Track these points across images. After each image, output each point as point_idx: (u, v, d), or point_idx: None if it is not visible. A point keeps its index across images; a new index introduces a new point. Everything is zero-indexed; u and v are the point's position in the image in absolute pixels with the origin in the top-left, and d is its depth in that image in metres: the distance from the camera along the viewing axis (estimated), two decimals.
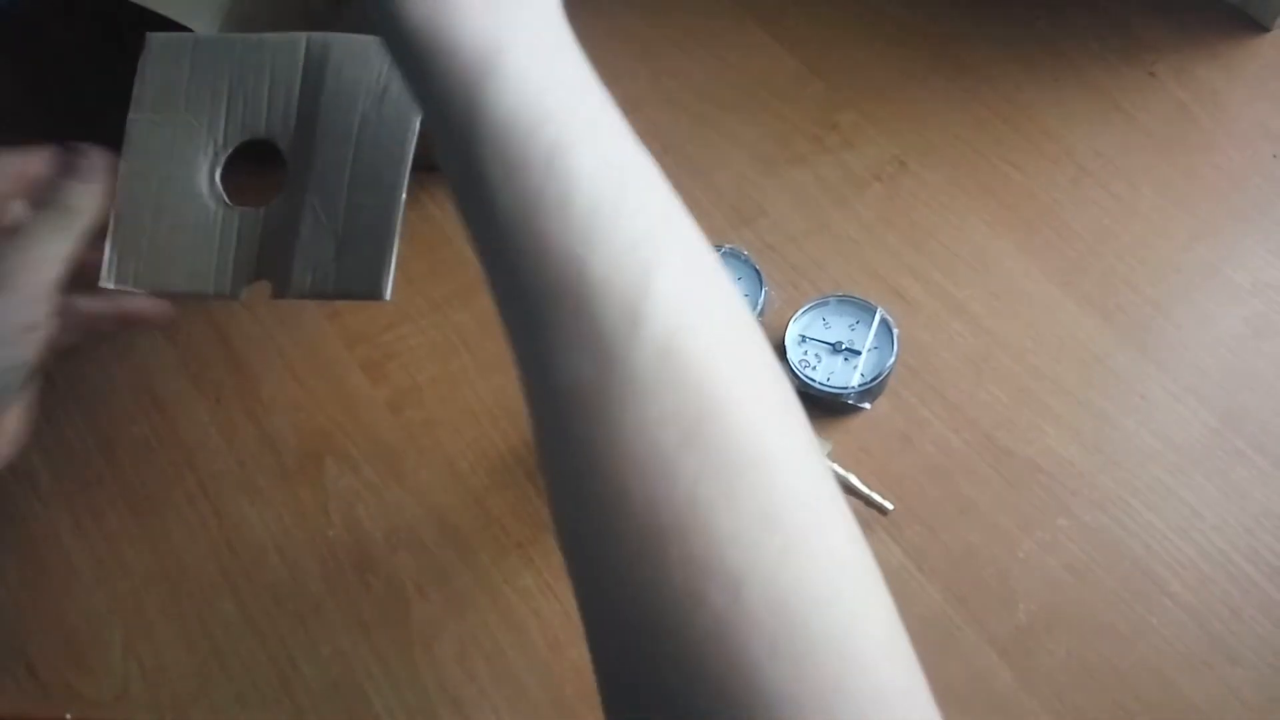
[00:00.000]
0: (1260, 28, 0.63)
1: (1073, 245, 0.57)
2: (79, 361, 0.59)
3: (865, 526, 0.50)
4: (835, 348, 0.53)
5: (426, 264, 0.60)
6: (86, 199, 0.44)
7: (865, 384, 0.51)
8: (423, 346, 0.58)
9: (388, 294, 0.42)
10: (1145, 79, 0.62)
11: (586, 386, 0.27)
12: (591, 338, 0.28)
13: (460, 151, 0.30)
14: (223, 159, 0.45)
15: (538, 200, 0.29)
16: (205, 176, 0.45)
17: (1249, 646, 0.46)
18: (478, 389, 0.56)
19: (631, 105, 0.67)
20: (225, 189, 0.45)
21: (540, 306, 0.29)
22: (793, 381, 0.51)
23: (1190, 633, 0.46)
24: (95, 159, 0.45)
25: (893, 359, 0.52)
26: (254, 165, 0.45)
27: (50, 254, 0.43)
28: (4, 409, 0.42)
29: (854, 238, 0.58)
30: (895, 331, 0.52)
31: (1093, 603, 0.47)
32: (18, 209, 0.44)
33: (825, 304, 0.54)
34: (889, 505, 0.48)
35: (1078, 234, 0.57)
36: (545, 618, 0.49)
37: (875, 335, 0.52)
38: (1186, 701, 0.45)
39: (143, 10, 0.49)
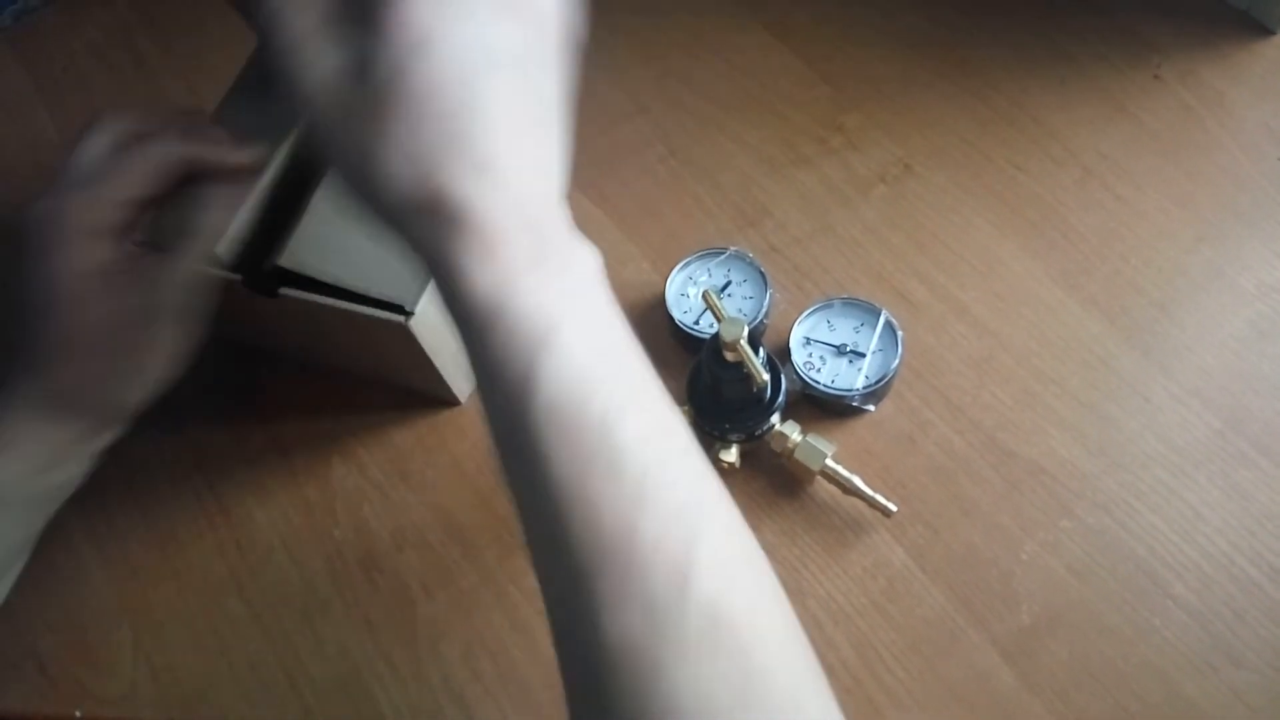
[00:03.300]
0: (1265, 31, 0.63)
1: (1077, 247, 0.57)
2: None
3: (869, 527, 0.50)
4: (840, 350, 0.53)
5: None
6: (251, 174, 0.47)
7: (870, 386, 0.51)
8: None
9: None
10: (1150, 82, 0.62)
11: (638, 643, 0.29)
12: (642, 597, 0.29)
13: (512, 414, 0.32)
14: None
15: (589, 464, 0.31)
16: None
17: (1252, 649, 0.46)
18: None
19: (638, 107, 0.68)
20: None
21: (590, 565, 0.30)
22: (797, 384, 0.52)
23: (1193, 634, 0.46)
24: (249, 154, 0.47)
25: (897, 361, 0.52)
26: None
27: (223, 221, 0.46)
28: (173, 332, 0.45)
29: (859, 240, 0.58)
30: (900, 334, 0.52)
31: (1096, 604, 0.47)
32: None
33: (830, 306, 0.54)
34: (893, 506, 0.49)
35: (1082, 236, 0.57)
36: None
37: (880, 337, 0.53)
38: (1189, 703, 0.45)
39: None
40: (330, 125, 0.34)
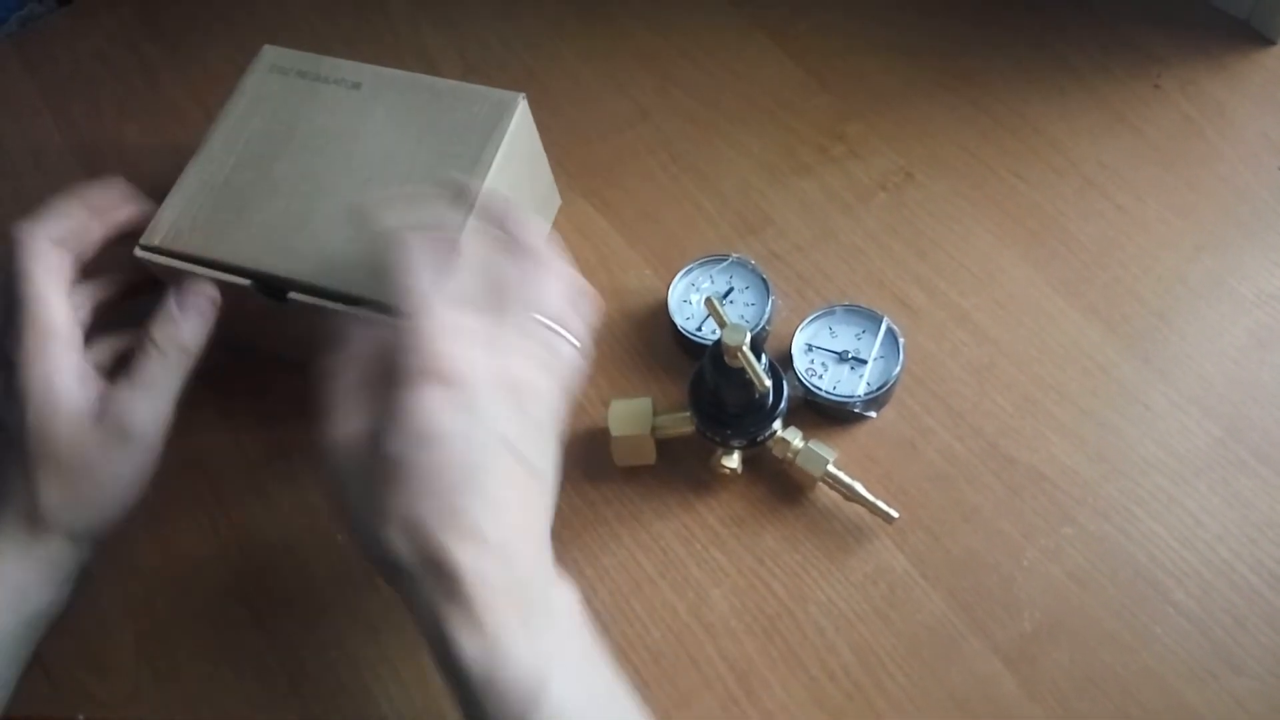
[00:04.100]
0: (1265, 41, 0.63)
1: (1078, 256, 0.57)
2: None
3: (871, 534, 0.50)
4: (841, 357, 0.53)
5: None
6: (201, 337, 0.48)
7: (871, 393, 0.51)
8: None
9: None
10: (1150, 91, 0.63)
11: None
12: None
13: None
14: None
15: None
16: None
17: (1253, 656, 0.46)
18: None
19: (640, 115, 0.68)
20: None
21: None
22: (799, 390, 0.52)
23: (1194, 642, 0.46)
24: (207, 293, 0.49)
25: (898, 368, 0.52)
26: None
27: (168, 403, 0.47)
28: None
29: (860, 247, 0.59)
30: (901, 341, 0.53)
31: (1096, 611, 0.47)
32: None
33: (831, 313, 0.54)
34: (894, 513, 0.49)
35: (1083, 245, 0.58)
36: None
37: (881, 344, 0.53)
38: (1190, 711, 0.45)
39: None
40: (345, 478, 0.37)
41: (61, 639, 0.51)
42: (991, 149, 0.61)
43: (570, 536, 0.51)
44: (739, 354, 0.45)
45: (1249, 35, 0.64)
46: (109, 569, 0.53)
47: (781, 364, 0.52)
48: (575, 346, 0.42)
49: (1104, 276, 0.56)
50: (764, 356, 0.49)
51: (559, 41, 0.69)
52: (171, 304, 0.48)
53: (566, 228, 0.61)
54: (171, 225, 0.51)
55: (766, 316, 0.54)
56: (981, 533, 0.50)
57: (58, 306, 0.45)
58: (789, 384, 0.50)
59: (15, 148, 0.69)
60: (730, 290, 0.56)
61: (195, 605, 0.52)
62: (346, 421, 0.38)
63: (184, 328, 0.48)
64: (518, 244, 0.43)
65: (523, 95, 0.53)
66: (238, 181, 0.52)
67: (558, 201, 0.62)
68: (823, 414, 0.53)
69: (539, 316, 0.41)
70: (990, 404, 0.53)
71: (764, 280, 0.55)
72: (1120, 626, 0.47)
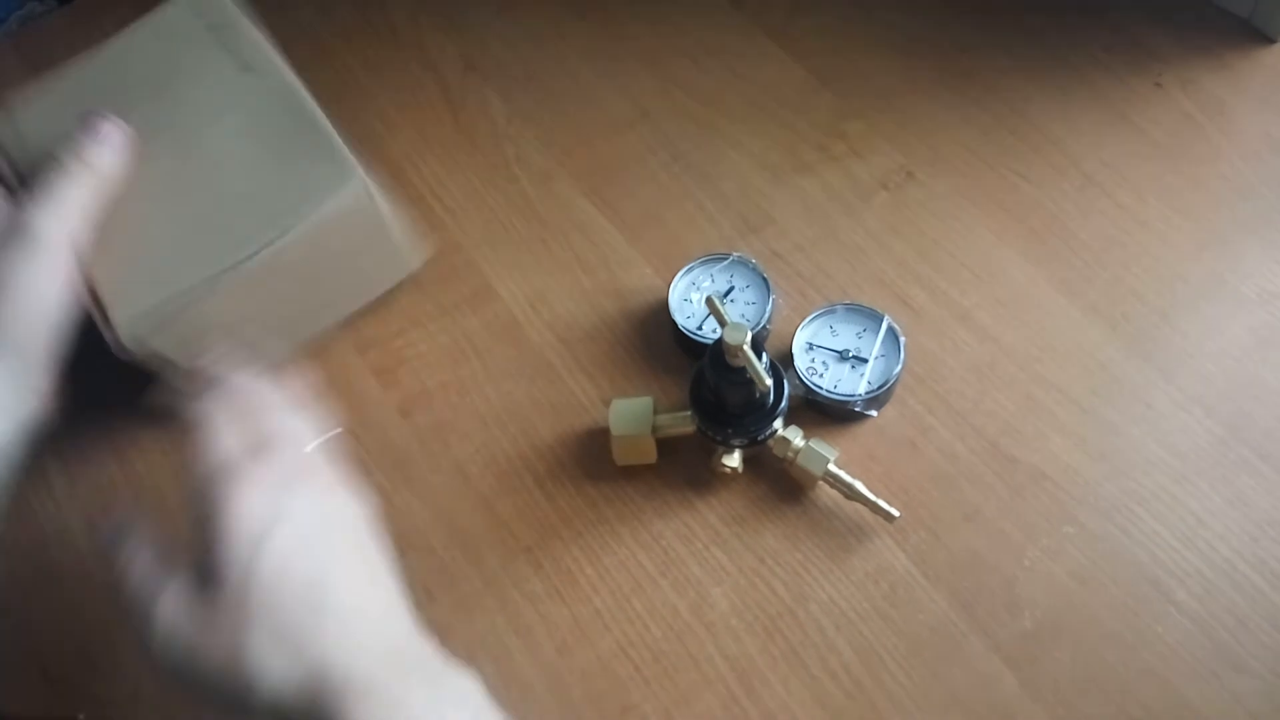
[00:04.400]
0: (1266, 39, 0.63)
1: (1079, 254, 0.57)
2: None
3: (872, 533, 0.50)
4: (842, 355, 0.53)
5: (436, 270, 0.61)
6: (114, 164, 0.50)
7: (872, 392, 0.51)
8: (433, 352, 0.58)
9: None
10: (1152, 90, 0.63)
11: None
12: None
13: None
14: None
15: None
16: None
17: (1255, 655, 0.46)
18: (487, 394, 0.56)
19: (640, 114, 0.68)
20: None
21: None
22: (800, 389, 0.52)
23: (1196, 641, 0.46)
24: (116, 127, 0.50)
25: (899, 367, 0.52)
26: None
27: (77, 212, 0.48)
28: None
29: (861, 246, 0.59)
30: (902, 339, 0.53)
31: (1098, 610, 0.47)
32: None
33: (832, 312, 0.54)
34: (895, 512, 0.49)
35: (1084, 243, 0.57)
36: (553, 621, 0.49)
37: (882, 343, 0.53)
38: (1192, 710, 0.45)
39: None
40: (187, 648, 0.37)
41: (62, 639, 0.51)
42: (993, 148, 0.61)
43: (571, 536, 0.51)
44: (740, 353, 0.45)
45: (1250, 34, 0.64)
46: (109, 569, 0.53)
47: (782, 363, 0.52)
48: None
49: (1105, 275, 0.56)
50: (765, 355, 0.48)
51: (560, 41, 0.69)
52: (78, 130, 0.49)
53: (568, 227, 0.61)
54: None
55: (767, 315, 0.54)
56: (983, 532, 0.50)
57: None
58: (790, 383, 0.50)
59: None
60: (731, 289, 0.56)
61: None
62: (164, 589, 0.38)
63: (93, 148, 0.49)
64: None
65: (362, 183, 0.50)
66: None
67: (413, 265, 0.58)
68: (823, 413, 0.53)
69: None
70: (991, 403, 0.53)
71: (764, 279, 0.55)
72: (1122, 626, 0.47)
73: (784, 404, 0.50)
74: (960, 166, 0.61)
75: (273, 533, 0.37)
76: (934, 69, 0.65)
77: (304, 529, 0.38)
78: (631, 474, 0.53)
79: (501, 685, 0.48)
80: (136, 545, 0.40)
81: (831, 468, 0.49)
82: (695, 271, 0.57)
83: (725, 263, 0.56)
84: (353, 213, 0.50)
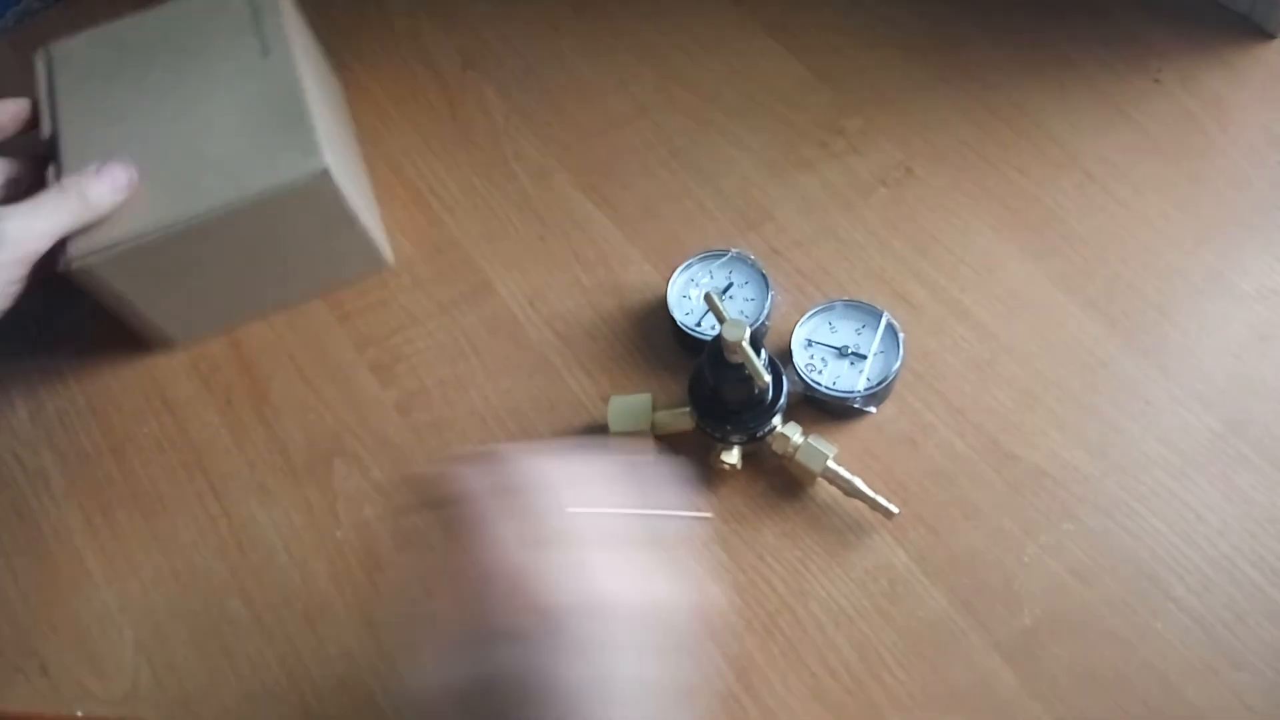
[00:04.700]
0: (1265, 35, 0.63)
1: (1078, 250, 0.57)
2: (91, 363, 0.60)
3: (871, 530, 0.50)
4: (841, 352, 0.53)
5: (434, 268, 0.61)
6: (106, 202, 0.51)
7: (871, 388, 0.51)
8: (431, 349, 0.58)
9: None
10: (1151, 86, 0.63)
11: None
12: None
13: None
14: None
15: None
16: None
17: (1253, 651, 0.46)
18: (485, 391, 0.56)
19: (639, 110, 0.68)
20: None
21: None
22: (799, 386, 0.52)
23: (1194, 637, 0.46)
24: (126, 173, 0.52)
25: (898, 363, 0.52)
26: None
27: (50, 229, 0.50)
28: None
29: (860, 242, 0.59)
30: (901, 336, 0.53)
31: (1097, 607, 0.47)
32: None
33: (831, 308, 0.54)
34: (894, 509, 0.49)
35: (1083, 239, 0.57)
36: None
37: (881, 340, 0.53)
38: (1190, 706, 0.45)
39: None
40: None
41: (60, 636, 0.52)
42: (992, 144, 0.61)
43: None
44: (738, 349, 0.45)
45: (1249, 29, 0.64)
46: (107, 566, 0.53)
47: (781, 359, 0.52)
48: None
49: (1104, 271, 0.56)
50: (763, 352, 0.48)
51: (558, 37, 0.69)
52: (92, 165, 0.51)
53: (566, 224, 0.61)
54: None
55: (766, 312, 0.54)
56: (982, 529, 0.50)
57: None
58: (788, 379, 0.50)
59: (10, 142, 0.69)
60: (730, 286, 0.56)
61: (194, 602, 0.52)
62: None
63: (93, 183, 0.51)
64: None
65: (325, 168, 0.52)
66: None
67: (387, 259, 0.61)
68: (822, 409, 0.53)
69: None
70: (990, 399, 0.53)
71: (763, 275, 0.55)
72: (1120, 622, 0.47)
73: (783, 400, 0.49)
74: (959, 162, 0.61)
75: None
76: (933, 65, 0.65)
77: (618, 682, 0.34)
78: None
79: None
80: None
81: (830, 464, 0.49)
82: (694, 268, 0.56)
83: (724, 259, 0.56)
84: (313, 193, 0.53)
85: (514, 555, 0.35)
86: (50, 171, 0.54)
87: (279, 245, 0.56)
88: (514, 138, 0.65)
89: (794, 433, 0.50)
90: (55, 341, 0.60)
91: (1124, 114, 0.62)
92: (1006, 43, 0.65)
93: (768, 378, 0.47)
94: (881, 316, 0.53)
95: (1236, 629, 0.46)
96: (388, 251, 0.61)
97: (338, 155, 0.54)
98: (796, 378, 0.52)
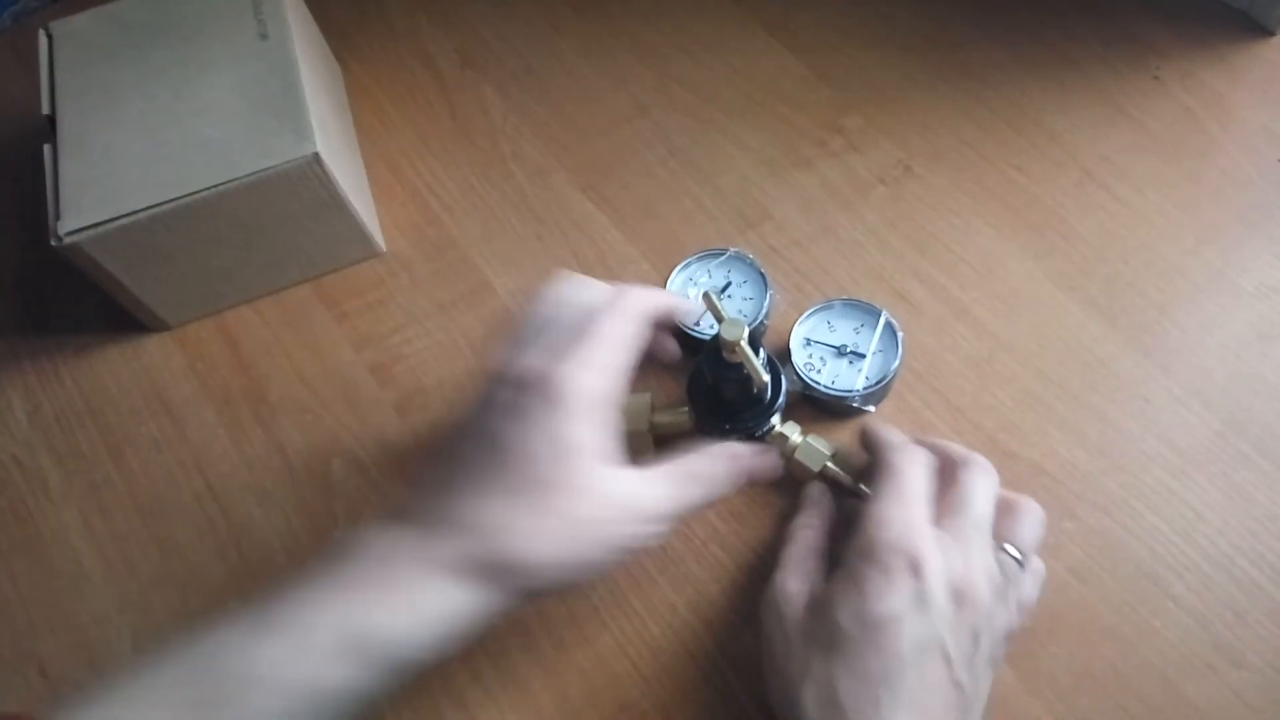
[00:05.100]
0: (1265, 32, 0.63)
1: (1077, 249, 0.57)
2: (90, 363, 0.59)
3: None
4: (840, 351, 0.53)
5: (433, 268, 0.60)
6: (735, 481, 0.45)
7: (870, 387, 0.51)
8: (429, 349, 0.58)
9: None
10: (1150, 83, 0.62)
11: None
12: None
13: None
14: None
15: None
16: None
17: (1253, 650, 0.46)
18: None
19: (638, 109, 0.68)
20: None
21: None
22: (797, 385, 0.52)
23: (1194, 636, 0.46)
24: (778, 465, 0.49)
25: (897, 362, 0.52)
26: None
27: (684, 504, 0.42)
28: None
29: (859, 241, 0.59)
30: (900, 335, 0.53)
31: (1096, 605, 0.47)
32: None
33: (830, 307, 0.54)
34: None
35: (1082, 237, 0.57)
36: (550, 619, 0.49)
37: (880, 338, 0.53)
38: (1190, 705, 0.45)
39: None
40: (787, 628, 0.42)
41: (58, 637, 0.51)
42: (991, 142, 0.61)
43: None
44: (737, 349, 0.45)
45: (1249, 27, 0.63)
46: (105, 567, 0.53)
47: (780, 358, 0.52)
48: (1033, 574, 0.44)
49: (1104, 269, 0.56)
50: (762, 351, 0.48)
51: (556, 36, 0.69)
52: (744, 449, 0.45)
53: (565, 223, 0.61)
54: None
55: (764, 311, 0.54)
56: None
57: (626, 361, 0.42)
58: (787, 378, 0.50)
59: (8, 143, 0.69)
60: (728, 285, 0.56)
61: (192, 604, 0.52)
62: (797, 579, 0.43)
63: (740, 467, 0.44)
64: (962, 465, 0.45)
65: (315, 153, 0.53)
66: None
67: (380, 247, 0.61)
68: (821, 408, 0.53)
69: (1007, 546, 0.43)
70: (990, 398, 0.53)
71: (762, 274, 0.55)
72: (1120, 621, 0.47)
73: (781, 400, 0.49)
74: (958, 161, 0.61)
75: (893, 625, 0.38)
76: (932, 64, 0.65)
77: (919, 641, 0.38)
78: None
79: (499, 684, 0.48)
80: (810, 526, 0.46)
81: (829, 464, 0.49)
82: (692, 267, 0.56)
83: (722, 258, 0.56)
84: (304, 177, 0.54)
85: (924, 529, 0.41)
86: (46, 152, 0.54)
87: (270, 228, 0.56)
88: (513, 137, 0.65)
89: (793, 432, 0.50)
90: (53, 343, 0.61)
91: (1124, 112, 0.61)
92: (1006, 42, 0.65)
93: (766, 377, 0.47)
94: (880, 315, 0.53)
95: (1236, 628, 0.46)
96: (380, 239, 0.61)
97: (331, 140, 0.55)
98: (795, 377, 0.52)
